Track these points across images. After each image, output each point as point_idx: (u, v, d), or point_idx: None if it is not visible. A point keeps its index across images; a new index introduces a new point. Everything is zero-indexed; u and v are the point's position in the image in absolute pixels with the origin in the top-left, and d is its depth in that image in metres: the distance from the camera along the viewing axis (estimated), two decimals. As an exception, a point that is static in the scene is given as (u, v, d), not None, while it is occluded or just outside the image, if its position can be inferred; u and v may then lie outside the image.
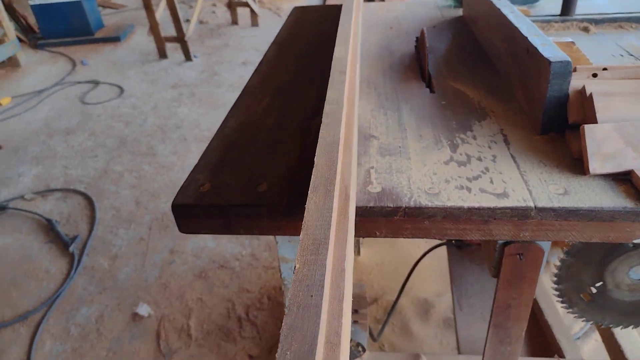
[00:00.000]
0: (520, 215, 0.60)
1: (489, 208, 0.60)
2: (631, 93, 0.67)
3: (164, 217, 2.46)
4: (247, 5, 5.38)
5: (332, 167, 0.44)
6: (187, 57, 4.59)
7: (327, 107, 0.56)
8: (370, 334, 1.49)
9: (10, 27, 4.66)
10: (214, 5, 6.51)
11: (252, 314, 1.81)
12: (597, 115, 0.65)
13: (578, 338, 1.52)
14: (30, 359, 1.78)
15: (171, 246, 2.24)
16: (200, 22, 5.81)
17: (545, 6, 1.36)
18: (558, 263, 0.74)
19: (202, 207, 0.66)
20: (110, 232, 2.41)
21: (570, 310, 0.79)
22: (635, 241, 0.60)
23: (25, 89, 4.34)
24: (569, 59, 0.68)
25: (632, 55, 1.03)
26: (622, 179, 0.62)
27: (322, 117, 0.62)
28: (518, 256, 0.73)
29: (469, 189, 0.63)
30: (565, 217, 0.59)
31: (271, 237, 2.23)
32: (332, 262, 0.35)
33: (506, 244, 0.72)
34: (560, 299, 0.78)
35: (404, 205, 0.62)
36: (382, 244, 2.06)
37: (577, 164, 0.66)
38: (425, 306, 1.72)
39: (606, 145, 0.62)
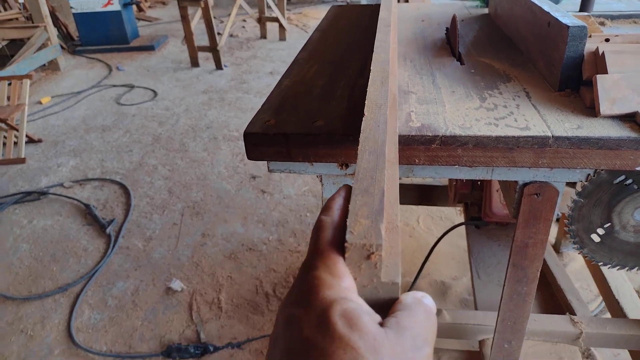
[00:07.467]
0: (539, 143, 0.71)
1: (514, 137, 0.71)
2: (639, 52, 0.78)
3: (195, 205, 2.60)
4: (276, 20, 5.62)
5: (385, 71, 0.56)
6: (218, 65, 4.80)
7: (377, 43, 0.68)
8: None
9: (53, 33, 4.94)
10: (244, 20, 6.78)
11: (279, 291, 1.92)
12: (608, 68, 0.76)
13: (595, 315, 1.59)
14: (70, 324, 1.90)
15: (202, 230, 2.37)
16: (231, 35, 6.06)
17: (566, 6, 1.48)
18: (571, 204, 0.84)
19: (269, 135, 0.79)
20: (145, 217, 2.55)
21: (582, 251, 0.89)
22: (638, 168, 0.70)
23: (64, 89, 4.58)
24: (585, 24, 0.80)
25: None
26: (628, 120, 0.73)
27: (365, 76, 0.74)
28: (535, 195, 0.84)
29: (496, 125, 0.75)
30: (578, 145, 0.70)
31: (296, 225, 2.34)
32: (388, 115, 0.47)
33: (525, 185, 0.83)
34: (573, 240, 0.87)
35: (440, 134, 0.73)
36: (402, 234, 2.15)
37: (590, 111, 0.77)
38: (443, 288, 1.80)
39: (615, 91, 0.73)
